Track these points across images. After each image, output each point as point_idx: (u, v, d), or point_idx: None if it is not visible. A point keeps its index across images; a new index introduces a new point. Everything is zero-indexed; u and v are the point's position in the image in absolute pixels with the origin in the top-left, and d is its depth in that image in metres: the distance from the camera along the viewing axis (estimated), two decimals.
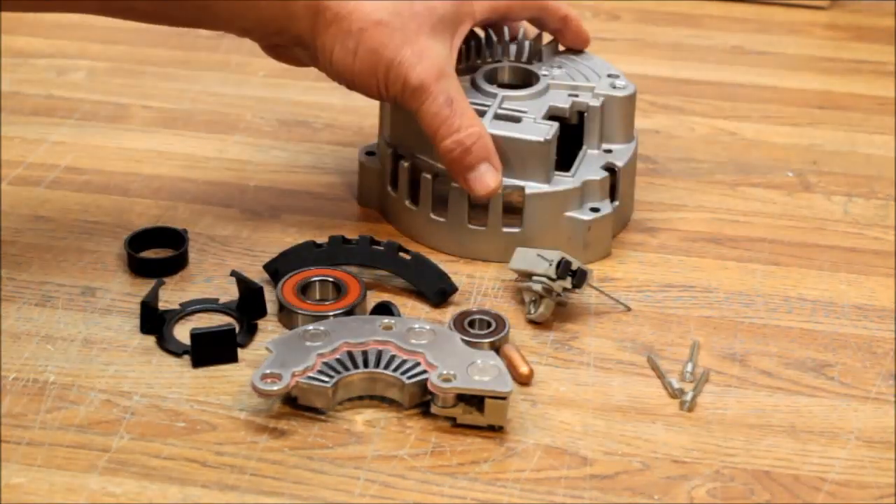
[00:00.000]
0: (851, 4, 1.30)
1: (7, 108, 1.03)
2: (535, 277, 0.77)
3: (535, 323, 0.78)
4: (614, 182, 0.85)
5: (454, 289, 0.79)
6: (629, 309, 0.80)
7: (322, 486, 0.65)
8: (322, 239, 0.82)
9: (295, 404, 0.70)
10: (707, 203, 0.92)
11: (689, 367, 0.74)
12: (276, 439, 0.68)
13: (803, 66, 1.17)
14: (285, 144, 0.99)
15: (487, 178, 0.80)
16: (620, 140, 0.86)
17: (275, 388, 0.68)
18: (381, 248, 0.81)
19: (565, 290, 0.77)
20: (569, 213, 0.82)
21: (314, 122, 1.02)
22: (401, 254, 0.80)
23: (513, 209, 0.83)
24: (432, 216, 0.84)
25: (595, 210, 0.83)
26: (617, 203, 0.85)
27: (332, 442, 0.68)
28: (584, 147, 0.85)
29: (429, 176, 0.83)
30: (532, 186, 0.82)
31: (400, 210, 0.86)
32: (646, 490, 0.66)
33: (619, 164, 0.85)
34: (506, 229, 0.83)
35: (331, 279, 0.78)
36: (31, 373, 0.72)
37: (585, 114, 0.85)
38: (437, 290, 0.79)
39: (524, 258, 0.78)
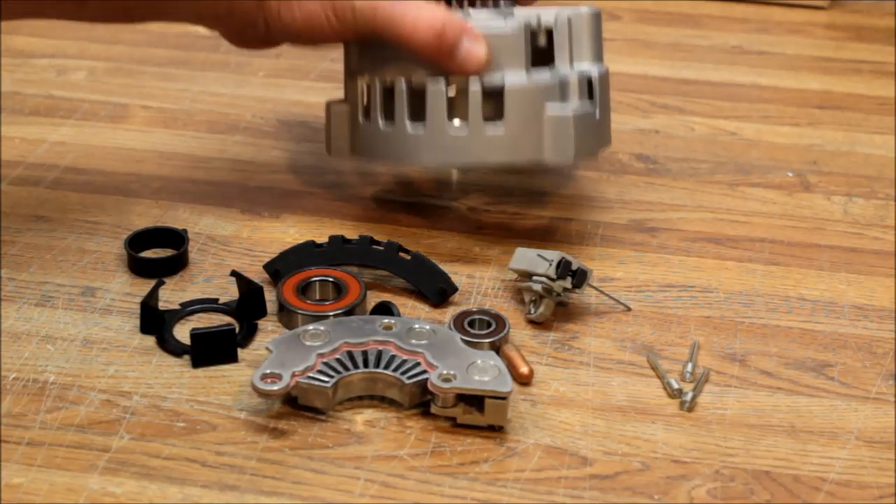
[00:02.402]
0: (851, 4, 1.30)
1: (7, 108, 1.03)
2: (535, 277, 0.77)
3: (535, 323, 0.78)
4: (591, 90, 0.83)
5: (454, 289, 0.79)
6: (629, 309, 0.80)
7: (322, 486, 0.65)
8: (322, 239, 0.82)
9: (295, 404, 0.70)
10: (707, 203, 0.92)
11: (689, 367, 0.74)
12: (276, 439, 0.68)
13: (803, 66, 1.17)
14: (285, 144, 0.99)
15: (475, 53, 0.79)
16: (589, 59, 0.85)
17: (275, 388, 0.68)
18: (381, 248, 0.81)
19: (565, 290, 0.77)
20: (550, 111, 0.81)
21: (314, 122, 1.02)
22: (401, 254, 0.80)
23: (493, 111, 0.82)
24: (409, 129, 0.82)
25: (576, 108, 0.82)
26: (598, 111, 0.83)
27: (332, 442, 0.68)
28: (556, 63, 0.83)
29: (403, 87, 0.81)
30: (511, 80, 0.80)
31: (375, 137, 0.84)
32: (646, 490, 0.66)
33: (594, 74, 0.83)
34: (488, 130, 0.81)
35: (331, 279, 0.79)
36: (31, 373, 0.72)
37: (554, 30, 0.84)
38: (437, 290, 0.79)
39: (524, 258, 0.78)
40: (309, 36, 0.81)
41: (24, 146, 0.97)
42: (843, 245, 0.87)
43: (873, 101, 1.09)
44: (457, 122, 0.82)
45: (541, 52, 0.84)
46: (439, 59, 0.79)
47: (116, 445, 0.67)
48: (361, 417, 0.70)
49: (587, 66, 0.84)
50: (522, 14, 0.83)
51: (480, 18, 0.82)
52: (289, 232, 0.87)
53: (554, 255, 0.77)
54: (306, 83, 1.07)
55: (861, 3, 1.30)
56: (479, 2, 0.88)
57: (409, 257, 0.80)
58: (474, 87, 0.80)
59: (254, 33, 0.83)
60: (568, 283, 0.77)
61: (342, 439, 0.68)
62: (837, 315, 0.80)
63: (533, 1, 0.90)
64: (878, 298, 0.82)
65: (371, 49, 0.82)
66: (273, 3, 0.79)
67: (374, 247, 0.81)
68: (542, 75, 0.81)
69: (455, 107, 0.84)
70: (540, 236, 0.87)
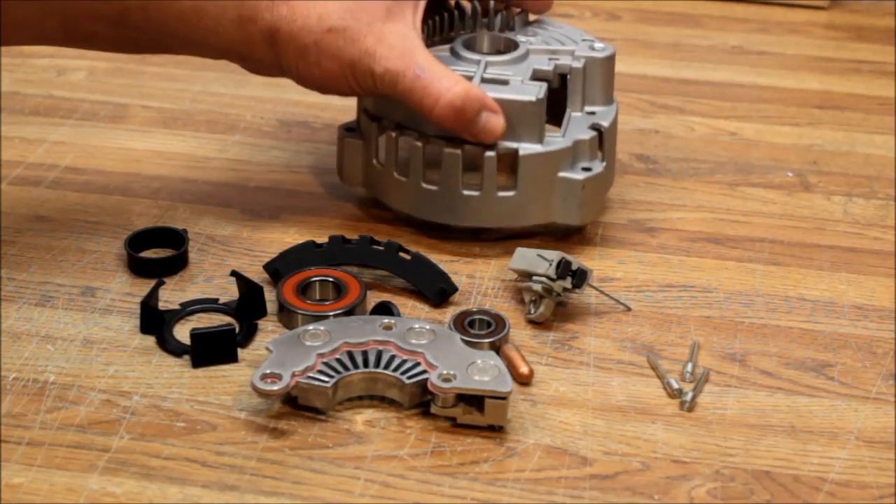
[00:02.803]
0: (851, 4, 1.30)
1: (7, 108, 1.03)
2: (535, 277, 0.77)
3: (535, 323, 0.78)
4: (602, 142, 0.85)
5: (454, 289, 0.79)
6: (629, 309, 0.80)
7: (322, 486, 0.65)
8: (322, 239, 0.82)
9: (295, 404, 0.70)
10: (707, 203, 0.92)
11: (689, 367, 0.74)
12: (276, 439, 0.68)
13: (803, 66, 1.17)
14: (285, 144, 0.99)
15: (492, 125, 0.80)
16: (602, 102, 0.87)
17: (275, 388, 0.68)
18: (381, 248, 0.81)
19: (565, 290, 0.77)
20: (562, 174, 0.82)
21: (314, 122, 1.02)
22: (401, 254, 0.80)
23: (506, 172, 0.83)
24: (424, 185, 0.83)
25: (587, 169, 0.83)
26: (605, 163, 0.85)
27: (332, 442, 0.68)
28: (569, 110, 0.86)
29: (419, 143, 0.82)
30: (525, 147, 0.81)
31: (388, 183, 0.85)
32: (646, 490, 0.66)
33: (605, 124, 0.85)
34: (500, 193, 0.82)
35: (331, 279, 0.79)
36: (31, 373, 0.72)
37: (568, 76, 0.86)
38: (437, 290, 0.79)
39: (524, 258, 0.78)
40: (325, 90, 0.82)
41: (24, 146, 0.97)
42: (843, 245, 0.87)
43: (873, 101, 1.09)
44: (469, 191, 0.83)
45: (552, 91, 0.84)
46: (458, 131, 0.80)
47: (116, 445, 0.67)
48: (361, 417, 0.70)
49: (598, 109, 0.86)
50: (539, 64, 0.85)
51: (495, 65, 0.84)
52: (289, 232, 0.87)
53: (554, 255, 0.77)
54: None
55: (861, 3, 1.30)
56: (492, 17, 0.89)
57: (409, 257, 0.80)
58: (489, 154, 0.81)
59: (269, 73, 0.83)
60: (568, 283, 0.77)
61: (342, 439, 0.68)
62: (837, 315, 0.80)
63: (547, 8, 0.90)
64: (878, 298, 0.82)
65: (387, 99, 0.83)
66: (291, 61, 0.79)
67: (374, 247, 0.81)
68: (556, 141, 0.82)
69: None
70: (540, 236, 0.87)
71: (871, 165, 0.98)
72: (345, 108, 1.02)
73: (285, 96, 1.06)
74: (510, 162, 0.82)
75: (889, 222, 0.90)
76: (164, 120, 1.02)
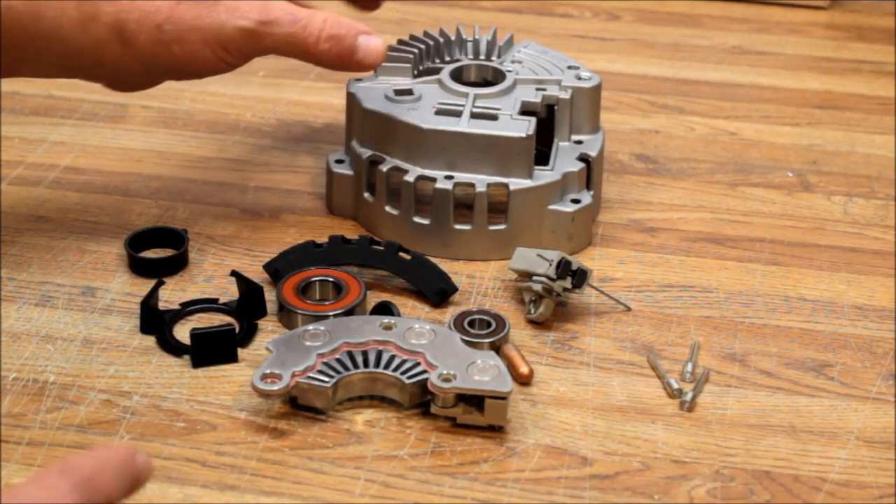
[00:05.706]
0: (851, 4, 1.30)
1: (7, 108, 1.03)
2: (535, 277, 0.77)
3: (535, 323, 0.78)
4: (589, 172, 0.86)
5: (454, 289, 0.79)
6: (629, 309, 0.80)
7: (322, 486, 0.65)
8: (322, 239, 0.82)
9: (295, 404, 0.70)
10: (707, 203, 0.92)
11: (689, 367, 0.74)
12: (276, 439, 0.68)
13: (803, 66, 1.17)
14: (285, 144, 0.99)
15: (372, 45, 0.77)
16: (588, 131, 0.88)
17: (275, 388, 0.68)
18: (381, 248, 0.81)
19: (565, 290, 0.77)
20: (552, 207, 0.83)
21: (314, 122, 1.02)
22: (401, 254, 0.80)
23: (496, 207, 0.83)
24: (415, 219, 0.84)
25: (576, 202, 0.84)
26: (593, 192, 0.86)
27: (332, 442, 0.68)
28: (556, 140, 0.87)
29: (410, 179, 0.83)
30: (515, 182, 0.82)
31: (379, 216, 0.85)
32: (646, 490, 0.66)
33: (593, 153, 0.86)
34: (491, 227, 0.83)
35: (331, 279, 0.79)
36: (31, 373, 0.72)
37: (556, 107, 0.86)
38: (437, 290, 0.79)
39: (524, 258, 0.78)
40: (194, 70, 0.77)
41: (24, 146, 0.97)
42: (843, 245, 0.87)
43: (873, 101, 1.09)
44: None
45: (539, 120, 0.85)
46: (342, 62, 0.77)
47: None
48: (361, 417, 0.70)
49: (585, 138, 0.87)
50: (527, 95, 0.85)
51: (484, 97, 0.85)
52: (289, 232, 0.87)
53: (554, 255, 0.77)
54: (306, 83, 1.07)
55: (861, 3, 1.30)
56: (462, 52, 0.90)
57: (409, 257, 0.80)
58: (480, 190, 0.82)
59: (132, 80, 0.79)
60: (568, 283, 0.77)
61: (342, 439, 0.68)
62: (837, 315, 0.80)
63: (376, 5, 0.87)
64: (878, 298, 0.82)
65: (374, 127, 0.83)
66: (148, 51, 0.74)
67: (374, 247, 0.81)
68: (545, 175, 0.83)
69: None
70: None
71: (871, 165, 0.98)
72: (344, 108, 1.02)
73: (285, 96, 1.06)
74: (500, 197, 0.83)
75: (889, 222, 0.90)
76: (164, 120, 1.02)
